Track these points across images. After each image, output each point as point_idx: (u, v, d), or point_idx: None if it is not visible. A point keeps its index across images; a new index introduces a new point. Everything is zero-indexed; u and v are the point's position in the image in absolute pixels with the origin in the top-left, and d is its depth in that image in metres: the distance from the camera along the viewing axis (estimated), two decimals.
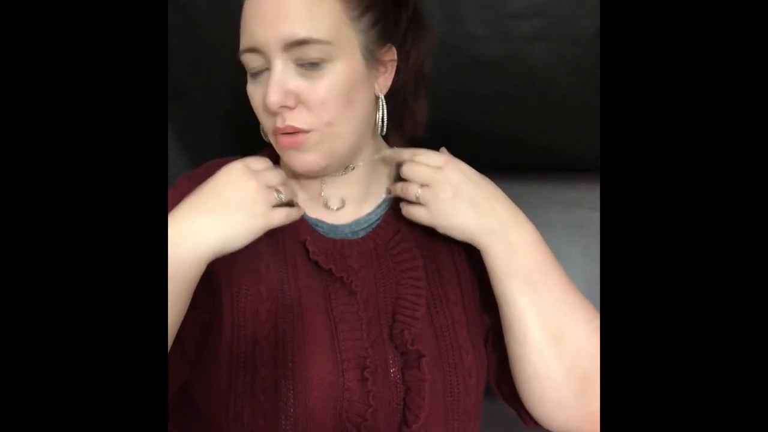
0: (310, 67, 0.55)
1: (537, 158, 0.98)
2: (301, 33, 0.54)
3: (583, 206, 0.96)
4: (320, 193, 0.65)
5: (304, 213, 0.63)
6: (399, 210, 0.65)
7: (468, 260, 0.66)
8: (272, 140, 0.60)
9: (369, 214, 0.66)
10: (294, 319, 0.58)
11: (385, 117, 0.62)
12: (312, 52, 0.54)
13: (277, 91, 0.54)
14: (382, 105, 0.61)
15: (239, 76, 0.65)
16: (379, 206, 0.67)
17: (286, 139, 0.57)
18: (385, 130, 0.62)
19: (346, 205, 0.65)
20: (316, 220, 0.64)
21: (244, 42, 0.56)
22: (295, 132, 0.57)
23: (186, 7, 0.84)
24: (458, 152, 1.02)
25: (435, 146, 1.01)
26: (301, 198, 0.64)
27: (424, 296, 0.62)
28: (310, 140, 0.57)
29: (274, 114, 0.57)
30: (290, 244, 0.62)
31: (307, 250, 0.61)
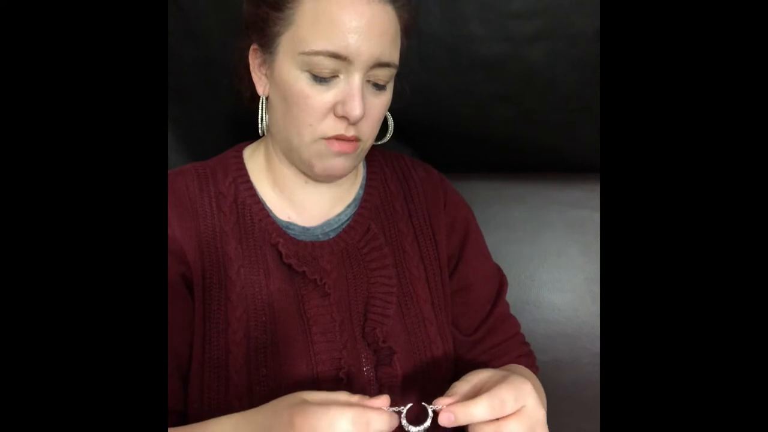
0: (377, 86, 0.59)
1: (537, 158, 0.98)
2: (389, 57, 0.57)
3: (583, 206, 0.96)
4: (302, 196, 0.66)
5: (275, 215, 0.64)
6: (368, 208, 0.67)
7: (433, 240, 0.68)
8: (315, 144, 0.59)
9: (339, 215, 0.67)
10: (266, 323, 0.58)
11: (391, 130, 0.68)
12: (386, 75, 0.58)
13: (362, 103, 0.56)
14: (390, 122, 0.67)
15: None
16: (348, 206, 0.68)
17: (344, 145, 0.59)
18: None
19: (319, 207, 0.66)
20: (287, 222, 0.64)
21: (326, 45, 0.54)
22: (352, 140, 0.59)
23: (187, 8, 0.84)
24: (458, 152, 1.02)
25: (435, 146, 1.01)
26: (276, 201, 0.65)
27: (395, 294, 0.63)
28: (359, 149, 0.61)
29: (342, 122, 0.58)
30: (261, 246, 0.62)
31: (280, 253, 0.61)
